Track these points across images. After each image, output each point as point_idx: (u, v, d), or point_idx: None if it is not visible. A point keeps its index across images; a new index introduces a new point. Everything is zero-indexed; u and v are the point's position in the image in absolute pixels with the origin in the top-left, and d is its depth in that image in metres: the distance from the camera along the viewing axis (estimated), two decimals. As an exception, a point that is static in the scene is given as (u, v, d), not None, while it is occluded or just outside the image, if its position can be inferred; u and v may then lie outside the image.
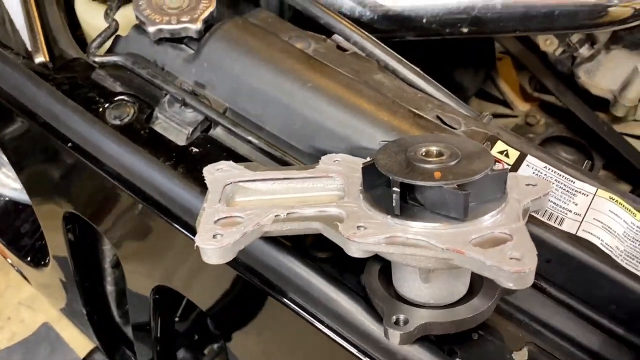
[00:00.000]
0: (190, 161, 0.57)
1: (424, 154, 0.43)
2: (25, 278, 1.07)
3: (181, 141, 0.59)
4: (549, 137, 1.13)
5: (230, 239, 0.40)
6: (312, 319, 0.48)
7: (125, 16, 0.69)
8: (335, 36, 0.66)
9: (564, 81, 1.04)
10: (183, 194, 0.53)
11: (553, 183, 0.51)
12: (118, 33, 0.66)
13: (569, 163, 0.56)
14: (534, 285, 0.50)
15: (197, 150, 0.58)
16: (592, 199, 0.50)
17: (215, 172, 0.49)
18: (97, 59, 0.63)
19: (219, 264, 0.41)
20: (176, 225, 0.53)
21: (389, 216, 0.41)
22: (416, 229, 0.40)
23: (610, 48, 0.94)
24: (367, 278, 0.48)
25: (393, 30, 0.81)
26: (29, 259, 0.94)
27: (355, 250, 0.40)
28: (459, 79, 1.10)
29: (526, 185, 0.44)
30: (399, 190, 0.40)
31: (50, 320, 1.45)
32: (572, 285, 0.49)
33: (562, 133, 1.12)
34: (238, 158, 0.57)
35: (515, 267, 0.35)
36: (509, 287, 0.36)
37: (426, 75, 0.63)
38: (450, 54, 1.04)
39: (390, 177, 0.41)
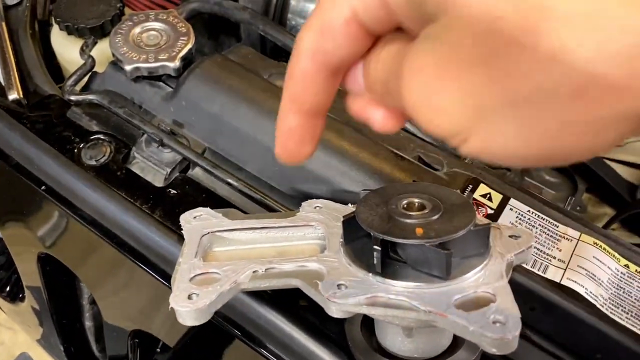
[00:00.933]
0: (168, 203, 0.55)
1: (405, 206, 0.42)
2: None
3: (159, 182, 0.58)
4: (532, 161, 1.13)
5: (206, 299, 0.39)
6: (293, 371, 0.47)
7: (102, 50, 0.67)
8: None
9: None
10: (159, 242, 0.52)
11: (537, 228, 0.51)
12: (95, 68, 0.65)
13: (551, 204, 0.55)
14: (520, 334, 0.49)
15: (175, 192, 0.57)
16: (576, 245, 0.49)
17: (193, 221, 0.48)
18: (72, 97, 0.62)
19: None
20: (153, 273, 0.52)
21: (370, 274, 0.40)
22: (398, 288, 0.39)
23: (592, 75, 0.94)
24: (349, 328, 0.46)
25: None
26: (5, 293, 0.91)
27: (335, 310, 0.39)
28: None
29: (509, 236, 0.43)
30: (380, 248, 0.39)
31: (31, 343, 1.41)
32: (557, 333, 0.48)
33: (546, 157, 1.12)
34: (217, 200, 0.56)
35: (498, 333, 0.34)
36: (491, 352, 0.35)
37: (408, 113, 0.62)
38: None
39: (372, 234, 0.40)
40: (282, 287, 0.42)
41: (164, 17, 0.64)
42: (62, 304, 0.77)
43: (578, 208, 1.14)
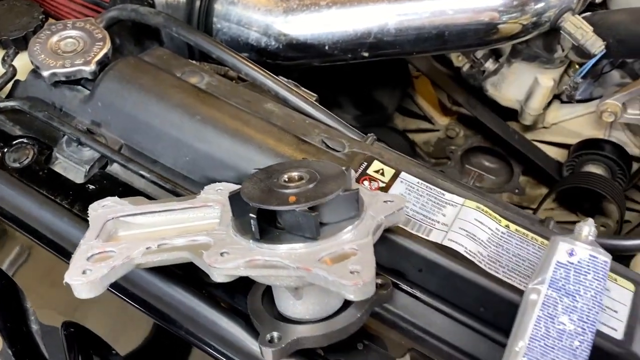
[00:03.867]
0: (87, 198, 0.58)
1: (286, 180, 0.46)
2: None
3: (79, 179, 0.61)
4: (470, 148, 1.18)
5: (98, 273, 0.42)
6: (202, 344, 0.50)
7: (27, 59, 0.70)
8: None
9: (476, 94, 1.09)
10: (74, 232, 0.55)
11: (424, 197, 0.55)
12: (18, 77, 0.68)
13: (445, 176, 0.60)
14: (411, 294, 0.53)
15: (93, 187, 0.60)
16: (460, 210, 0.54)
17: (100, 209, 0.51)
18: (-5, 105, 0.65)
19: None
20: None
21: (251, 241, 0.43)
22: (276, 251, 0.42)
23: (512, 61, 0.99)
24: (250, 299, 0.50)
25: (299, 57, 0.84)
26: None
27: (217, 275, 0.42)
28: (378, 99, 1.14)
29: (384, 202, 0.47)
30: (255, 216, 0.42)
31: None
32: (444, 291, 0.52)
33: (481, 143, 1.17)
34: (134, 192, 0.59)
35: (352, 280, 0.38)
36: (351, 298, 0.39)
37: (316, 103, 0.66)
38: (368, 76, 1.08)
39: (250, 204, 0.43)
40: (174, 261, 0.45)
41: (82, 25, 0.67)
42: (6, 309, 0.79)
43: (516, 191, 1.19)
